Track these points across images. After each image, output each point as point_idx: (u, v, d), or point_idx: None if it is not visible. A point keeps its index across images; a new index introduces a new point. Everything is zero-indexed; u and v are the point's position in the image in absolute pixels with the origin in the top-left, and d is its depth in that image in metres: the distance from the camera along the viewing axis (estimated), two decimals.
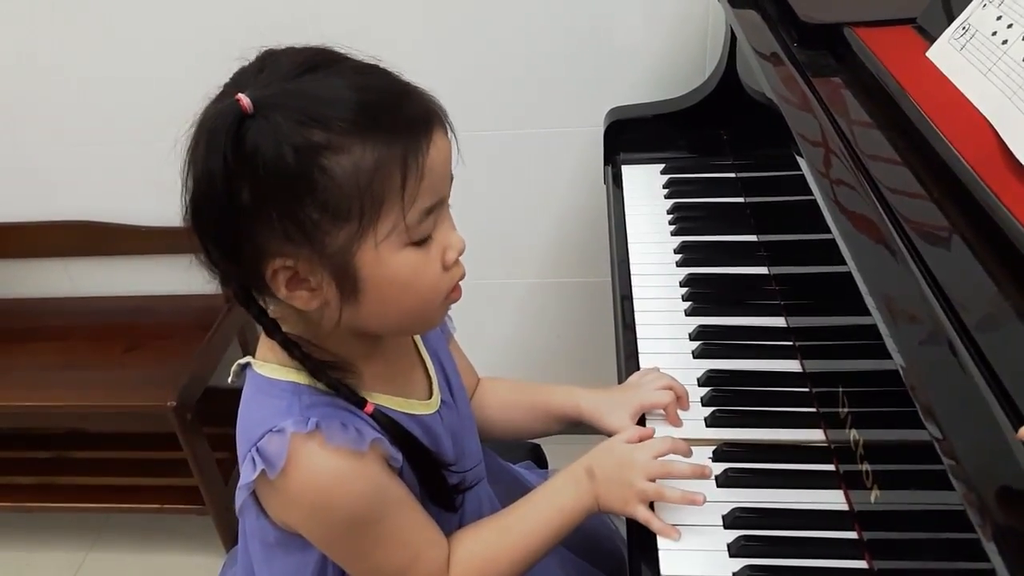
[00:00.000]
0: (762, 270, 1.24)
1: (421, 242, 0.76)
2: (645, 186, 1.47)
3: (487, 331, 2.00)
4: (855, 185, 0.85)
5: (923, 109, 0.88)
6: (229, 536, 1.86)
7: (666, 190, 1.45)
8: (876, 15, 1.10)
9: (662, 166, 1.51)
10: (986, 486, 0.55)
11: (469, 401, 1.02)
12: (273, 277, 0.74)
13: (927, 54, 0.99)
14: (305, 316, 0.78)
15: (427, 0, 1.65)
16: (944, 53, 0.96)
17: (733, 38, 1.44)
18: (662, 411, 1.00)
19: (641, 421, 1.00)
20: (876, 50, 1.02)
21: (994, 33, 0.89)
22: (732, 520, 0.86)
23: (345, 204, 0.70)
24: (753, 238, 1.30)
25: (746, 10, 1.29)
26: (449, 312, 0.89)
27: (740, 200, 1.40)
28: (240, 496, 0.81)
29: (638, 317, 1.17)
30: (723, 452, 0.95)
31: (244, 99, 0.69)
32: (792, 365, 1.06)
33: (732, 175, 1.47)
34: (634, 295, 1.21)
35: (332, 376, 0.79)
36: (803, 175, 0.95)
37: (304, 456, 0.76)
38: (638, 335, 1.14)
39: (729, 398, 1.02)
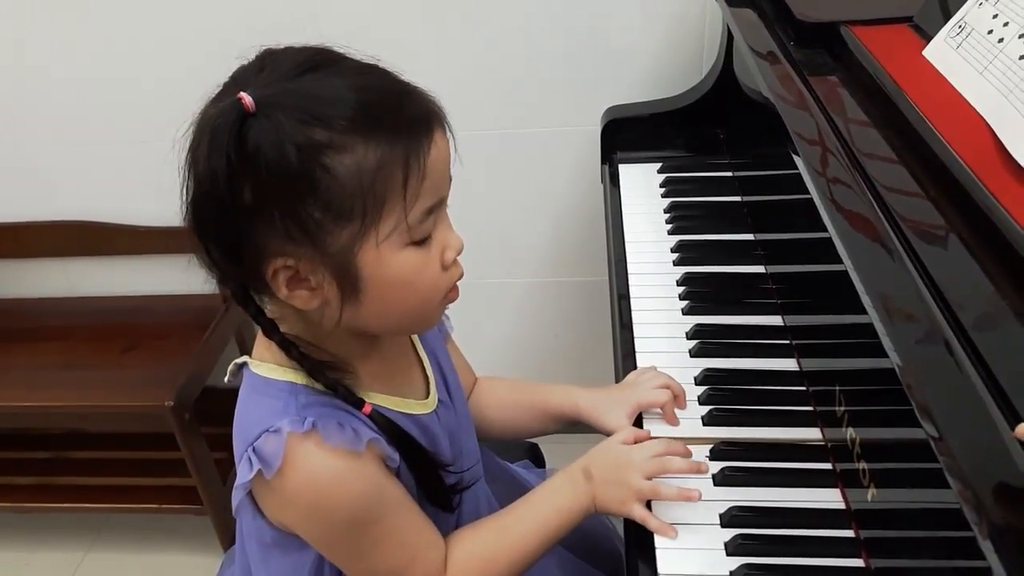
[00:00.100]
0: (759, 269, 1.24)
1: (421, 242, 0.76)
2: (642, 185, 1.47)
3: (485, 330, 2.01)
4: (852, 184, 0.85)
5: (919, 108, 0.88)
6: (227, 536, 1.86)
7: (663, 189, 1.45)
8: (873, 14, 1.11)
9: (659, 165, 1.51)
10: (982, 484, 0.55)
11: (466, 401, 1.02)
12: (273, 277, 0.74)
13: (923, 53, 0.99)
14: (304, 316, 0.78)
15: (425, 0, 1.65)
16: (940, 51, 0.97)
17: (730, 37, 1.44)
18: (659, 410, 1.00)
19: (639, 420, 1.00)
20: (873, 49, 1.02)
21: (990, 31, 0.89)
22: (729, 519, 0.86)
23: (348, 203, 0.70)
24: (750, 237, 1.31)
25: (743, 9, 1.29)
26: (447, 311, 0.89)
27: (737, 199, 1.40)
28: (236, 496, 0.81)
29: (635, 316, 1.17)
30: (720, 451, 0.95)
31: (246, 98, 0.69)
32: (789, 364, 1.06)
33: (729, 174, 1.47)
34: (631, 294, 1.21)
35: (330, 376, 0.79)
36: (800, 174, 0.95)
37: (301, 456, 0.76)
38: (635, 334, 1.14)
39: (726, 397, 1.02)
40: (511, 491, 1.01)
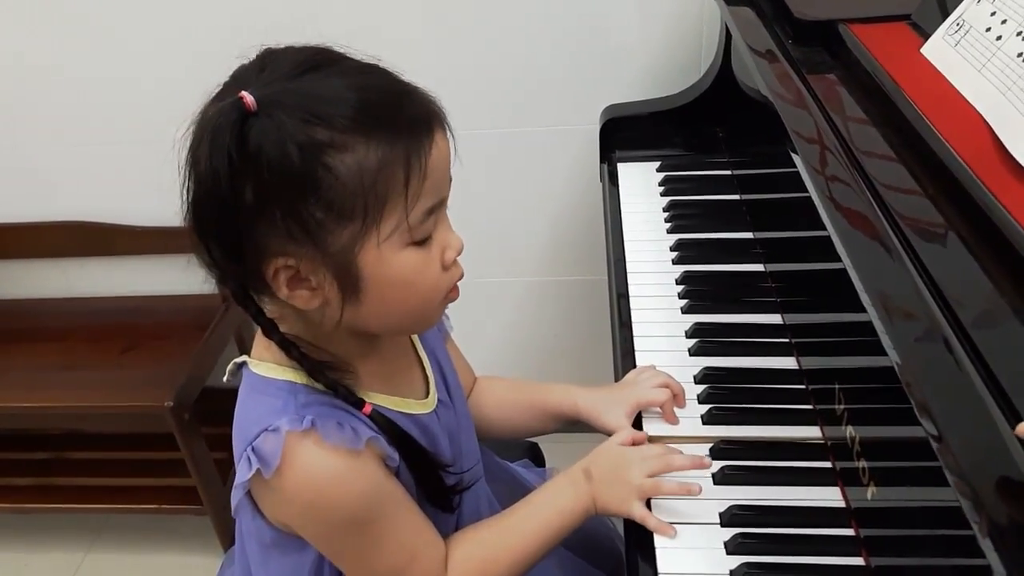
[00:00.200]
0: (758, 267, 1.24)
1: (421, 242, 0.76)
2: (641, 184, 1.47)
3: (484, 330, 2.00)
4: (850, 182, 0.85)
5: (918, 106, 0.88)
6: (227, 536, 1.85)
7: (662, 188, 1.45)
8: (871, 11, 1.10)
9: (658, 164, 1.51)
10: (982, 482, 0.55)
11: (466, 400, 1.02)
12: (274, 276, 0.74)
13: (922, 50, 0.99)
14: (304, 316, 0.78)
15: (425, 0, 1.65)
16: (939, 49, 0.97)
17: (728, 35, 1.44)
18: (659, 409, 1.00)
19: (638, 420, 1.00)
20: (871, 47, 1.02)
21: (988, 29, 0.89)
22: (729, 517, 0.86)
23: (349, 203, 0.70)
24: (749, 235, 1.31)
25: (741, 7, 1.29)
26: (446, 311, 0.89)
27: (736, 197, 1.40)
28: (236, 495, 0.81)
29: (634, 315, 1.17)
30: (720, 449, 0.95)
31: (248, 97, 0.68)
32: (788, 362, 1.06)
33: (728, 172, 1.47)
34: (630, 293, 1.21)
35: (330, 376, 0.79)
36: (798, 172, 0.95)
37: (299, 455, 0.76)
38: (634, 333, 1.14)
39: (725, 395, 1.02)
40: (512, 491, 1.01)
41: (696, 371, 1.05)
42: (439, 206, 0.77)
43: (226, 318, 1.90)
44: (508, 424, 1.09)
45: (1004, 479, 0.55)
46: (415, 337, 0.95)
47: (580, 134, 1.71)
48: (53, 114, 1.84)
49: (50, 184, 1.94)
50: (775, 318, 1.13)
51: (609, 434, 0.97)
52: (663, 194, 1.44)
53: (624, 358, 1.10)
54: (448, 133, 0.77)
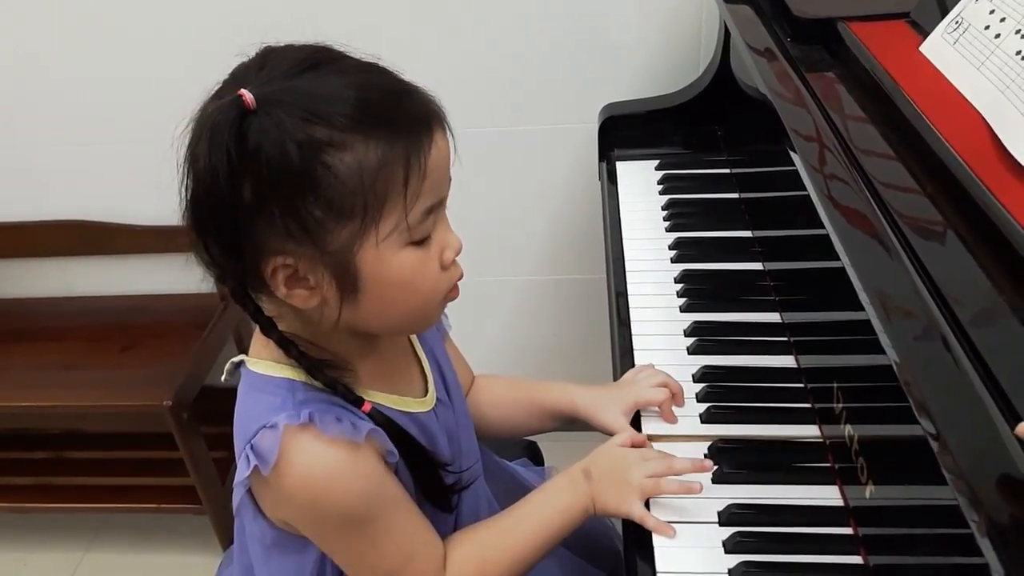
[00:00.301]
0: (757, 266, 1.24)
1: (420, 242, 0.76)
2: (640, 182, 1.47)
3: (483, 328, 2.00)
4: (849, 180, 0.85)
5: (917, 104, 0.88)
6: (226, 535, 1.85)
7: (661, 186, 1.45)
8: (870, 10, 1.10)
9: (657, 162, 1.51)
10: (980, 481, 0.55)
11: (465, 399, 1.02)
12: (272, 275, 0.74)
13: (920, 49, 0.99)
14: (302, 314, 0.78)
15: None
16: (937, 47, 0.97)
17: (727, 33, 1.44)
18: (657, 408, 1.00)
19: (636, 419, 1.00)
20: (870, 45, 1.02)
21: (987, 27, 0.89)
22: (727, 517, 0.86)
23: (348, 202, 0.70)
24: (748, 234, 1.31)
25: (740, 5, 1.29)
26: (445, 310, 0.88)
27: (735, 196, 1.40)
28: (236, 494, 0.81)
29: (633, 313, 1.17)
30: (718, 448, 0.95)
31: (247, 95, 0.68)
32: (787, 361, 1.06)
33: (727, 171, 1.47)
34: (629, 291, 1.21)
35: (329, 374, 0.79)
36: (797, 170, 0.95)
37: (298, 449, 0.76)
38: (633, 331, 1.14)
39: (724, 394, 1.02)
40: (510, 490, 1.01)
41: (695, 369, 1.05)
42: (438, 206, 0.77)
43: (225, 317, 1.90)
44: (506, 422, 1.09)
45: (1002, 478, 0.55)
46: (413, 336, 0.95)
47: (579, 132, 1.71)
48: (52, 113, 1.84)
49: (49, 183, 1.94)
50: (774, 317, 1.13)
51: (607, 432, 0.97)
52: (662, 192, 1.44)
53: (623, 357, 1.10)
54: (448, 132, 0.77)
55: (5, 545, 2.08)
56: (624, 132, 1.55)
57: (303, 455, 0.76)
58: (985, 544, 0.52)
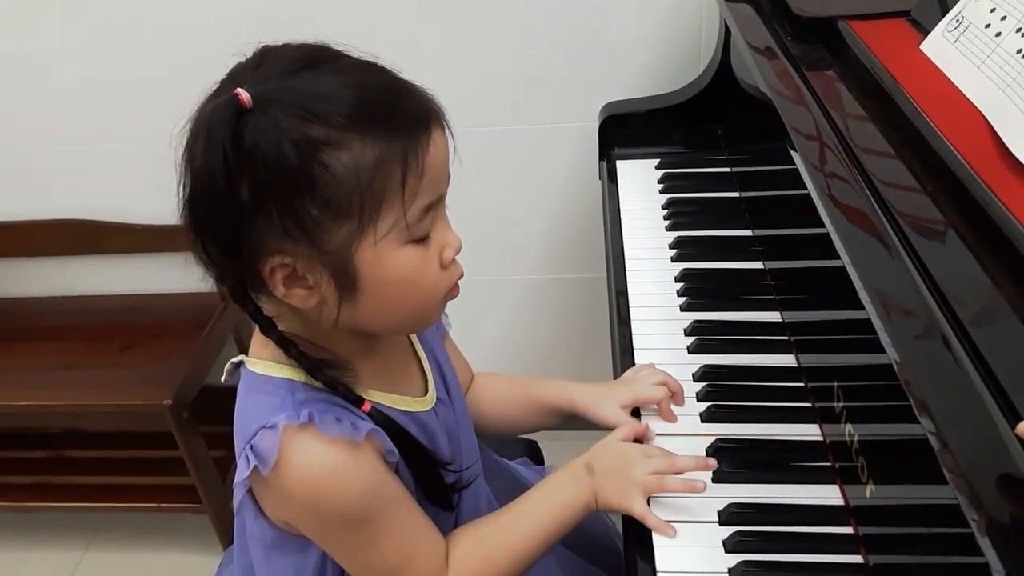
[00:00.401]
0: (757, 265, 1.24)
1: (420, 240, 0.75)
2: (640, 181, 1.47)
3: (483, 327, 2.00)
4: (849, 179, 0.85)
5: (917, 102, 0.88)
6: (226, 535, 1.85)
7: (661, 185, 1.45)
8: (870, 8, 1.10)
9: (657, 161, 1.51)
10: (980, 480, 0.55)
11: (464, 398, 1.02)
12: (271, 275, 0.74)
13: (921, 47, 0.99)
14: (302, 314, 0.78)
15: None
16: (938, 46, 0.96)
17: (727, 32, 1.44)
18: (656, 407, 0.99)
19: (635, 417, 1.00)
20: (870, 43, 1.02)
21: (987, 25, 0.89)
22: (728, 516, 0.86)
23: (346, 201, 0.70)
24: (748, 233, 1.30)
25: (740, 4, 1.29)
26: (444, 308, 0.88)
27: (735, 195, 1.40)
28: (237, 494, 0.81)
29: (633, 312, 1.17)
30: (718, 447, 0.94)
31: (243, 94, 0.68)
32: (787, 360, 1.06)
33: (727, 170, 1.47)
34: (629, 290, 1.21)
35: (329, 374, 0.79)
36: (797, 169, 0.95)
37: (297, 449, 0.75)
38: (633, 330, 1.14)
39: (724, 393, 1.02)
40: (511, 489, 1.01)
41: (695, 368, 1.05)
42: (437, 203, 0.77)
43: (224, 316, 1.90)
44: (505, 419, 1.09)
45: (1002, 477, 0.55)
46: (413, 335, 0.95)
47: (579, 131, 1.71)
48: (50, 112, 1.84)
49: (47, 183, 1.94)
50: (774, 316, 1.13)
51: (606, 428, 0.97)
52: (662, 191, 1.44)
53: (623, 355, 1.10)
54: (447, 131, 0.76)
55: (5, 544, 2.08)
56: (624, 131, 1.55)
57: (303, 455, 0.76)
58: (985, 543, 0.52)
